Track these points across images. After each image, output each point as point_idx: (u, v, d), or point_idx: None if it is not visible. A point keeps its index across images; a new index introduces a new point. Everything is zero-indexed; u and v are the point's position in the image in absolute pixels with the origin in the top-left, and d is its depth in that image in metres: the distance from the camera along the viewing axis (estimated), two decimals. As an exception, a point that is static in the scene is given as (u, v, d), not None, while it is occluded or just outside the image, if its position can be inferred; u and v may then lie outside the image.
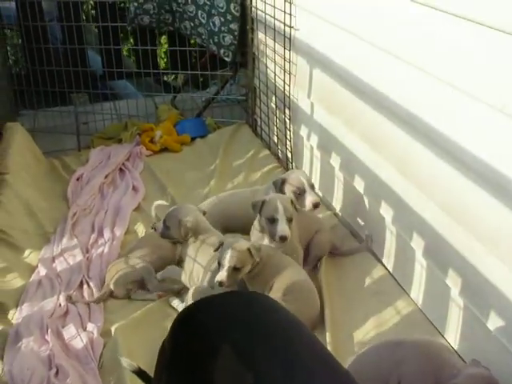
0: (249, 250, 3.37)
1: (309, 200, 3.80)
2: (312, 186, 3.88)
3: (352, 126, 4.01)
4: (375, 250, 3.90)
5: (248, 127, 5.90)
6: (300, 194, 3.82)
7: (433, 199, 3.23)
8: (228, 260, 3.33)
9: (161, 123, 5.85)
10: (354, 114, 3.96)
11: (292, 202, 3.64)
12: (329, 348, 3.22)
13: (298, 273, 3.53)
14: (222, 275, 3.33)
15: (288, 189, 3.86)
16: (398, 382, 2.57)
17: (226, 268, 3.33)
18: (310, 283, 3.53)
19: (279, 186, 3.89)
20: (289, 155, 5.02)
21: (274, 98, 5.17)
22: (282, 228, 3.55)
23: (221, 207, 4.10)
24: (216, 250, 3.46)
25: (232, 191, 4.36)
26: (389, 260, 3.76)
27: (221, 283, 3.32)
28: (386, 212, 3.70)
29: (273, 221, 3.58)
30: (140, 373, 2.68)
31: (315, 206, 3.81)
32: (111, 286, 3.77)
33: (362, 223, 4.05)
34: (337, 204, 4.41)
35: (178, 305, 3.65)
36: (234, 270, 3.34)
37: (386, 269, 3.76)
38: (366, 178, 3.92)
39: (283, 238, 3.55)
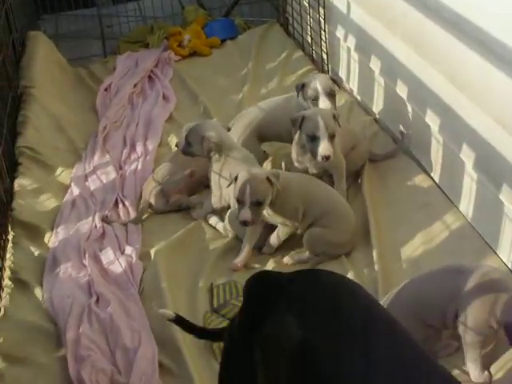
0: (268, 178, 3.09)
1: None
2: (329, 93, 3.68)
3: (394, 27, 3.76)
4: (420, 160, 3.72)
5: (279, 26, 5.63)
6: (314, 99, 3.67)
7: (485, 109, 3.01)
8: (248, 195, 3.04)
9: (188, 26, 5.62)
10: (397, 14, 3.71)
11: (334, 116, 3.44)
12: (376, 267, 3.11)
13: (327, 193, 3.34)
14: (245, 214, 3.04)
15: (306, 93, 3.71)
16: (455, 311, 2.45)
17: (248, 205, 3.05)
18: (340, 200, 3.35)
19: (300, 90, 3.73)
20: (324, 57, 4.79)
21: (306, -4, 4.90)
22: (324, 146, 3.35)
23: (258, 117, 3.92)
24: (229, 184, 3.19)
25: (266, 100, 4.13)
26: (435, 171, 3.58)
27: (246, 222, 3.07)
28: (432, 120, 3.50)
29: (314, 138, 3.38)
30: (179, 321, 2.54)
31: None
32: (150, 200, 3.66)
33: (405, 130, 3.84)
34: (377, 109, 4.21)
35: (217, 223, 3.54)
36: (257, 204, 3.07)
37: (433, 180, 3.58)
38: (409, 84, 3.70)
39: (326, 157, 3.37)
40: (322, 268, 3.09)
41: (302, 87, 3.73)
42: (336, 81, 3.81)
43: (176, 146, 3.71)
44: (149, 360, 2.77)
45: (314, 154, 3.41)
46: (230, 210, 3.44)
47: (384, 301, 2.64)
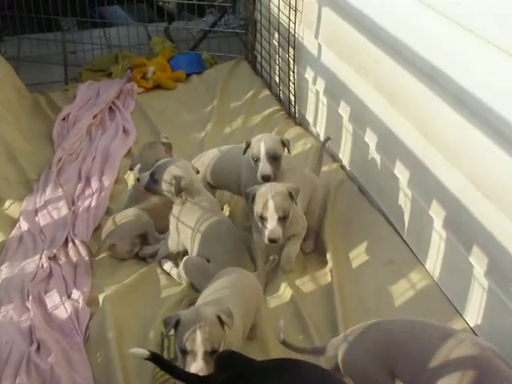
0: (219, 318, 2.50)
1: (259, 174, 3.40)
2: (272, 157, 3.42)
3: (366, 74, 3.64)
4: (387, 213, 3.58)
5: (247, 63, 5.50)
6: (257, 160, 3.44)
7: (457, 166, 2.90)
8: (201, 344, 2.43)
9: (154, 57, 5.46)
10: (368, 61, 3.59)
11: (291, 194, 3.15)
12: (340, 327, 2.96)
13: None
14: (198, 367, 2.42)
15: (249, 153, 3.49)
16: (439, 371, 2.26)
17: (200, 356, 2.43)
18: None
19: (245, 149, 3.52)
20: (292, 98, 4.66)
21: (276, 35, 4.78)
22: (272, 230, 3.07)
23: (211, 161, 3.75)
24: (169, 329, 2.50)
25: (228, 146, 3.95)
26: (402, 226, 3.45)
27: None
28: (401, 173, 3.37)
29: (262, 218, 3.12)
30: (155, 359, 2.34)
31: (265, 179, 3.37)
32: (114, 241, 3.45)
33: (372, 180, 3.72)
34: (344, 157, 4.07)
35: (171, 269, 3.36)
36: (212, 352, 2.45)
37: (399, 235, 3.45)
38: (379, 133, 3.58)
39: (272, 241, 3.09)
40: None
41: (248, 145, 3.50)
42: (286, 143, 3.52)
43: (137, 180, 3.47)
44: (89, 416, 2.60)
45: (262, 235, 3.14)
46: (185, 257, 3.27)
47: (343, 337, 2.52)
